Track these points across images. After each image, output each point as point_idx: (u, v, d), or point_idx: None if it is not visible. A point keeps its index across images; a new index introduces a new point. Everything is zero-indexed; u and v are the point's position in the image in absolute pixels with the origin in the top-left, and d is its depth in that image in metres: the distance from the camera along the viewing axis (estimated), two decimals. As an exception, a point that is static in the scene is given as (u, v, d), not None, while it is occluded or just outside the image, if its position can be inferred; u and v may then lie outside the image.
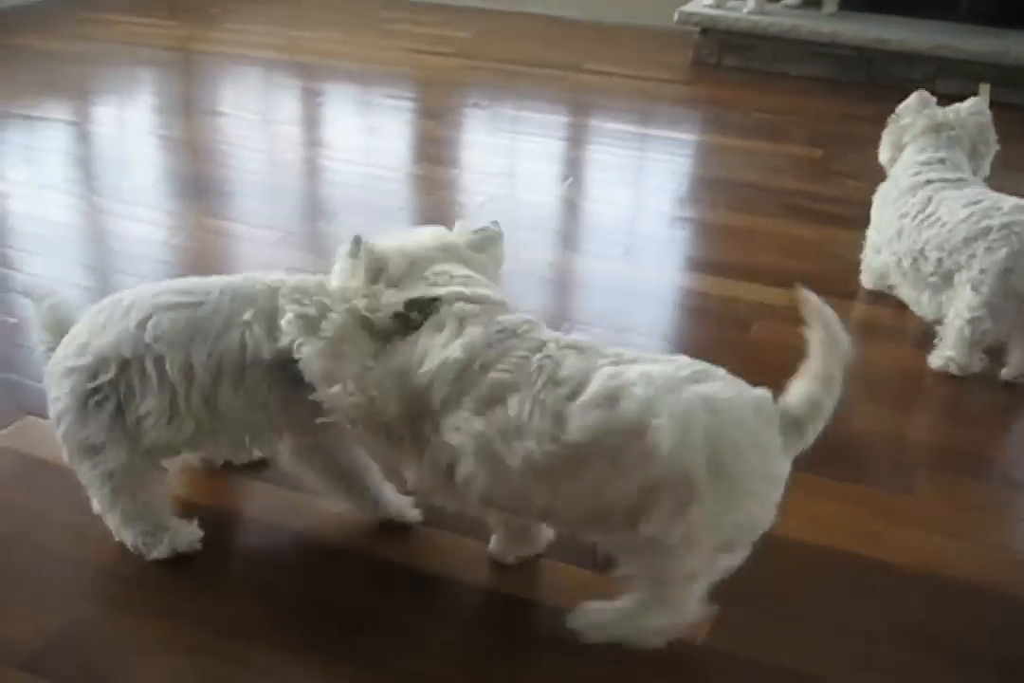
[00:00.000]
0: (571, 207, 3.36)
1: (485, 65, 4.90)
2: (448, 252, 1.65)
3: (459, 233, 1.71)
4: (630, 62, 4.98)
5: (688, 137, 4.07)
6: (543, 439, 1.40)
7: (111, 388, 1.60)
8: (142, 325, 1.60)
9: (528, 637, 1.63)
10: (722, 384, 1.42)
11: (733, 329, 2.56)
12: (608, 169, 3.73)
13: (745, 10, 4.91)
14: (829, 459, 2.03)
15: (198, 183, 3.42)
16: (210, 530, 1.78)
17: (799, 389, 1.43)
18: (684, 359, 1.47)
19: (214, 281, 1.69)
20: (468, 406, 1.44)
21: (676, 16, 4.98)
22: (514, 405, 1.42)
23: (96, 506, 1.73)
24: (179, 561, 1.72)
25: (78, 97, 4.32)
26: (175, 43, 5.13)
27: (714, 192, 3.46)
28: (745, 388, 1.43)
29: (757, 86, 4.71)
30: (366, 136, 4.05)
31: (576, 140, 4.02)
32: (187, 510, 1.80)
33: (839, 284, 2.74)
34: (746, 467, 1.38)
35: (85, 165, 3.66)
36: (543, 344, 1.48)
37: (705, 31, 4.99)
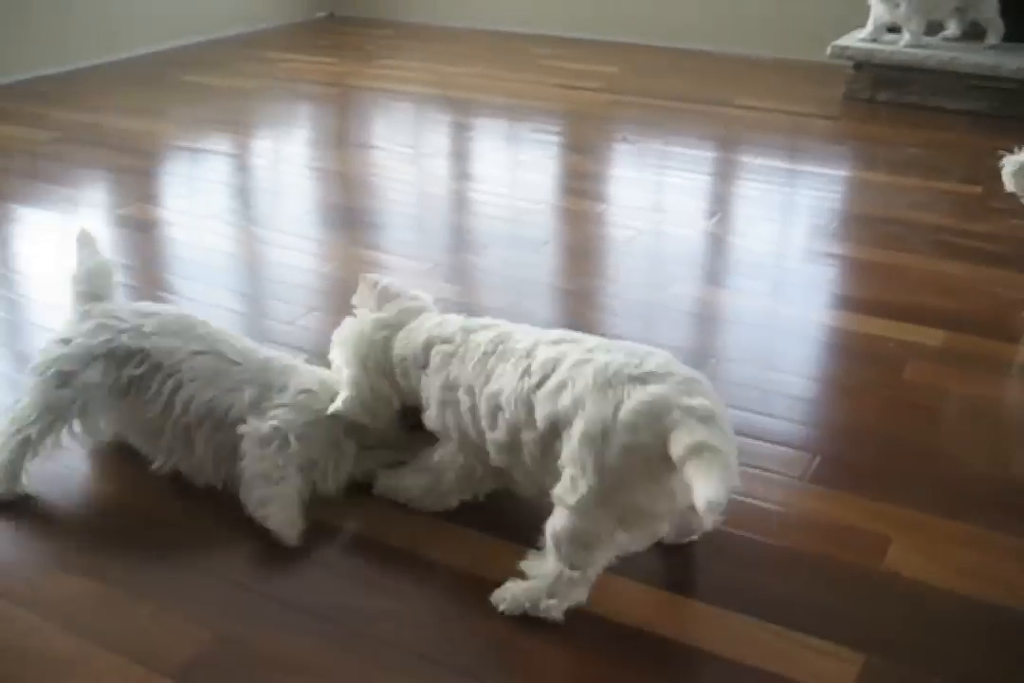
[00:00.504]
0: (718, 242, 3.33)
1: (633, 100, 4.92)
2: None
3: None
4: (780, 97, 4.93)
5: (838, 173, 4.00)
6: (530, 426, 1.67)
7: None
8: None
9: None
10: (653, 389, 1.56)
11: (884, 370, 2.49)
12: (756, 205, 3.69)
13: (901, 43, 4.81)
14: (983, 506, 1.96)
15: (349, 214, 3.52)
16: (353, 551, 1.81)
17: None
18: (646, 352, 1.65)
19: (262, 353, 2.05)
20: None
21: (829, 50, 4.92)
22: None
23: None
24: (323, 582, 1.76)
25: (240, 131, 4.50)
26: (333, 79, 5.31)
27: (863, 228, 3.38)
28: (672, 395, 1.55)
29: (911, 121, 4.61)
30: (514, 170, 4.11)
31: (724, 175, 3.99)
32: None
33: (995, 324, 2.64)
34: (631, 468, 1.55)
35: (243, 196, 3.81)
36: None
37: (859, 65, 4.90)
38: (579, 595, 1.66)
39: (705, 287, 2.98)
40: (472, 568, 1.80)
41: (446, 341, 1.84)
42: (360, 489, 1.99)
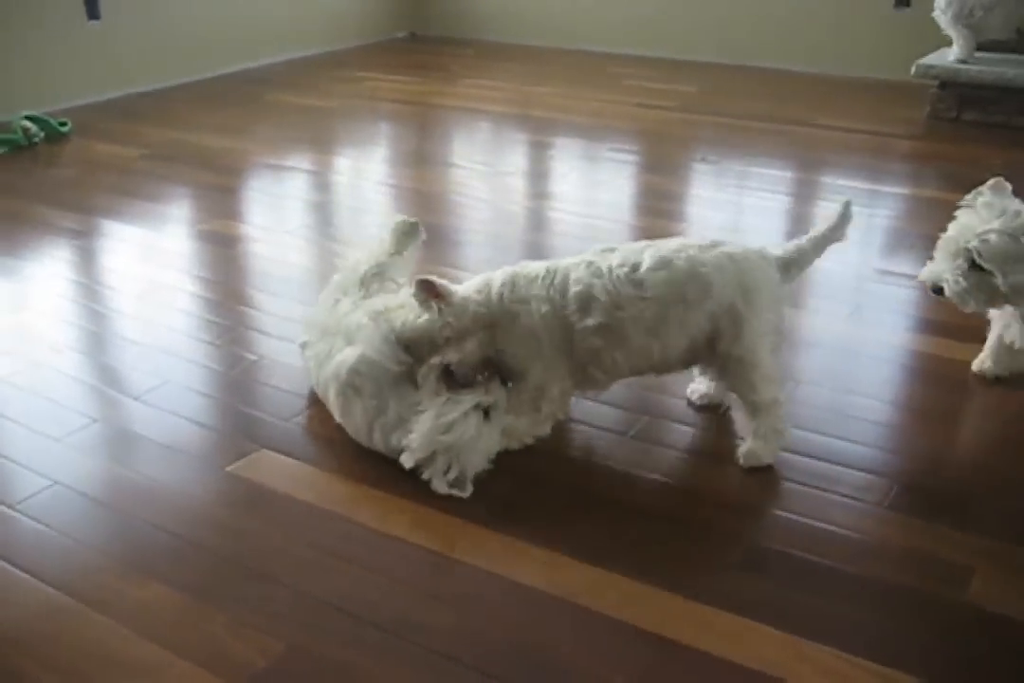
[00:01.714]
0: (796, 263, 3.29)
1: (712, 119, 4.90)
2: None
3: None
4: (862, 117, 4.87)
5: (921, 193, 3.93)
6: (635, 303, 2.02)
7: None
8: None
9: None
10: (732, 245, 2.12)
11: (964, 395, 2.44)
12: (837, 226, 3.64)
13: (951, 57, 4.75)
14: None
15: (428, 231, 3.52)
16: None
17: (789, 244, 2.17)
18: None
19: None
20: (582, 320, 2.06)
21: (913, 69, 4.85)
22: (602, 295, 2.03)
23: None
24: (391, 597, 1.77)
25: (321, 149, 4.57)
26: (414, 98, 5.37)
27: (949, 251, 3.32)
28: (748, 245, 2.13)
29: (998, 141, 4.52)
30: (591, 189, 4.11)
31: (804, 196, 3.95)
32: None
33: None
34: (764, 294, 2.06)
35: (324, 212, 3.87)
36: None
37: (944, 84, 4.83)
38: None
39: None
40: (541, 585, 1.80)
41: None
42: (428, 501, 2.00)
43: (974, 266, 2.14)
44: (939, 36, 4.92)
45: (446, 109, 5.18)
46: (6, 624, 1.72)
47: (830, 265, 3.21)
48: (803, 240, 2.17)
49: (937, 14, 4.80)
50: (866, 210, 3.74)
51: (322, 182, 4.19)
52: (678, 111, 5.04)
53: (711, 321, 2.03)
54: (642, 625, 1.71)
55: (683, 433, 2.29)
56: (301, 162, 4.36)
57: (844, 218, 2.17)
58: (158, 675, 1.61)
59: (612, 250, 2.11)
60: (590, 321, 2.03)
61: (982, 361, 2.44)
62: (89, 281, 3.17)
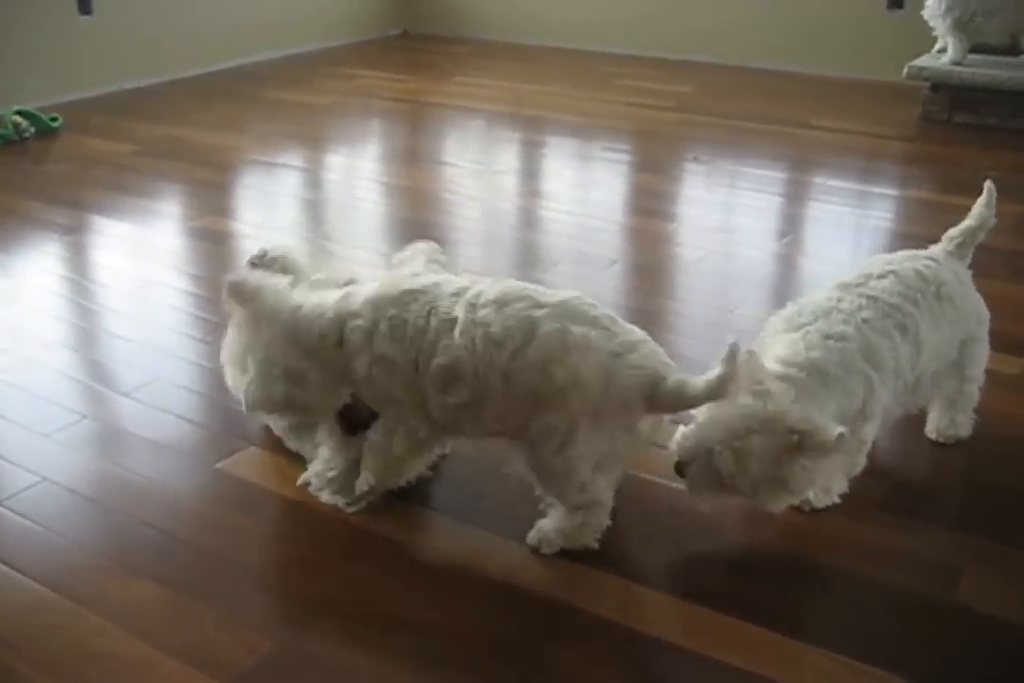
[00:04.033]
0: (789, 264, 3.30)
1: (706, 120, 4.90)
2: None
3: None
4: (855, 118, 4.88)
5: (912, 195, 3.94)
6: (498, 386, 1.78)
7: None
8: None
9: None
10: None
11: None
12: (828, 226, 3.65)
13: (944, 59, 4.77)
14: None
15: (419, 229, 3.55)
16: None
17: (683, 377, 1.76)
18: None
19: None
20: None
21: (905, 71, 4.85)
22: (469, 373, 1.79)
23: None
24: (382, 597, 1.77)
25: (313, 146, 4.57)
26: (407, 96, 5.36)
27: (940, 253, 3.32)
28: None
29: (989, 143, 4.52)
30: (584, 188, 4.11)
31: (796, 197, 3.95)
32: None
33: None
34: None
35: (315, 210, 3.86)
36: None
37: (936, 86, 4.84)
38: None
39: (775, 309, 2.93)
40: (535, 589, 1.80)
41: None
42: (418, 498, 2.00)
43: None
44: (932, 38, 4.93)
45: (439, 107, 5.18)
46: (-7, 621, 1.72)
47: (818, 265, 3.24)
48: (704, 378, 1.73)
49: (933, 18, 4.80)
50: (857, 211, 3.75)
51: (314, 179, 4.19)
52: (671, 111, 5.04)
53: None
54: (635, 626, 1.71)
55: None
56: (293, 159, 4.35)
57: (730, 361, 1.70)
58: (146, 673, 1.61)
59: (482, 307, 1.80)
60: (451, 399, 1.80)
61: None
62: (79, 277, 3.16)
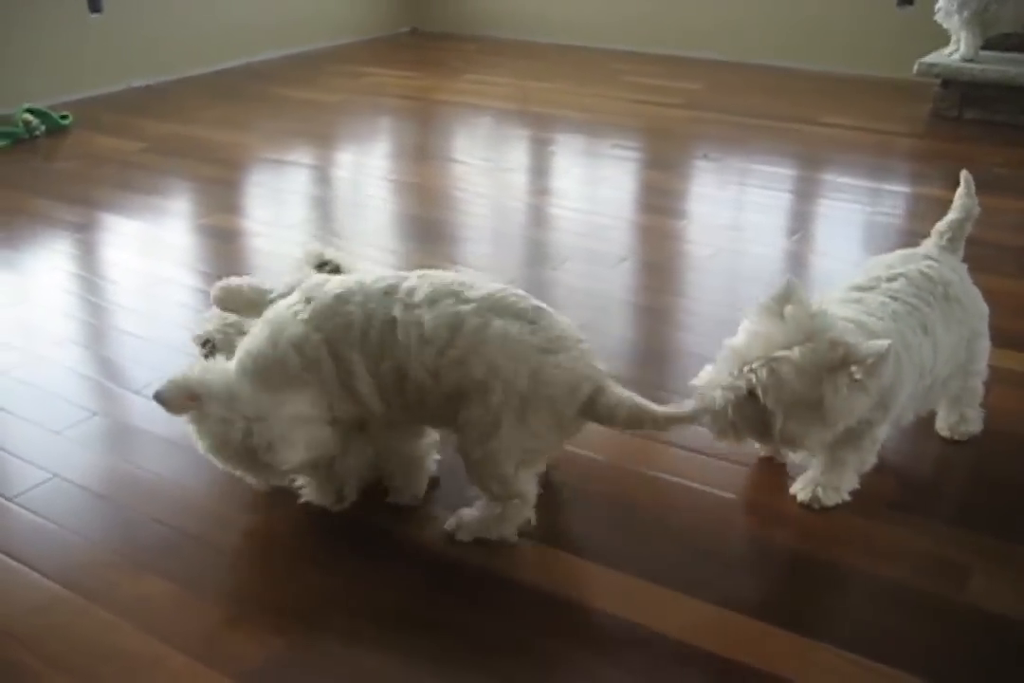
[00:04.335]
0: (799, 261, 3.29)
1: (715, 117, 4.89)
2: None
3: None
4: (864, 115, 4.87)
5: (923, 192, 3.93)
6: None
7: None
8: None
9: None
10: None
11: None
12: (838, 223, 3.65)
13: (956, 56, 4.76)
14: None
15: (428, 226, 3.55)
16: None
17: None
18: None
19: None
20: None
21: (915, 67, 4.84)
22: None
23: None
24: (392, 594, 1.77)
25: (322, 143, 4.57)
26: (416, 93, 5.37)
27: (950, 250, 3.31)
28: None
29: (1000, 140, 4.51)
30: (593, 185, 4.11)
31: (806, 194, 3.94)
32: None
33: (1086, 350, 2.58)
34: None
35: (324, 207, 3.86)
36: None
37: (946, 83, 4.82)
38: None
39: (784, 306, 2.94)
40: (543, 584, 1.80)
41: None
42: (438, 501, 2.00)
43: (752, 395, 1.71)
44: (941, 34, 4.91)
45: (447, 105, 5.18)
46: (5, 617, 1.72)
47: (828, 262, 3.24)
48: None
49: (947, 16, 4.78)
50: (867, 208, 3.74)
51: (323, 177, 4.19)
52: (680, 108, 5.04)
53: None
54: (650, 625, 1.71)
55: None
56: (302, 157, 4.35)
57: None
58: (157, 668, 1.61)
59: (416, 307, 1.79)
60: (403, 399, 1.81)
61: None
62: (90, 274, 3.17)
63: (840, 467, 1.95)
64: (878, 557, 1.87)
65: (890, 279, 2.01)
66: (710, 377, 1.79)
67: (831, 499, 1.96)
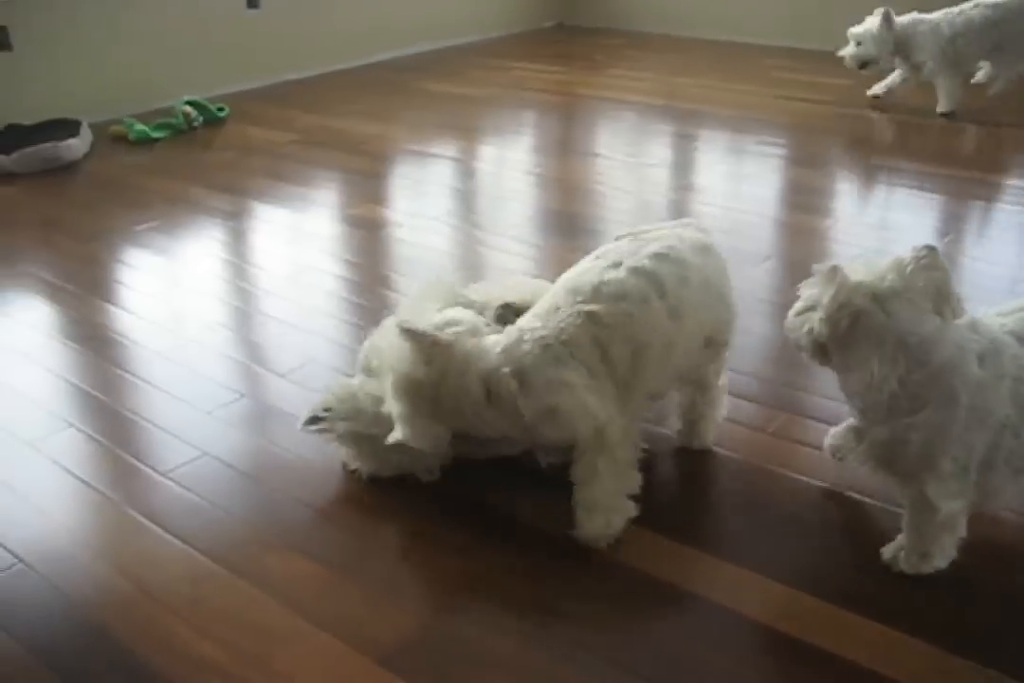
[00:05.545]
0: (950, 264, 3.16)
1: (863, 113, 4.77)
2: None
3: None
4: (1015, 113, 4.67)
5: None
6: None
7: None
8: None
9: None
10: None
11: None
12: (993, 225, 3.52)
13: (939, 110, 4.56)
14: None
15: (569, 220, 3.56)
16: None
17: None
18: None
19: None
20: None
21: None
22: None
23: None
24: (524, 582, 1.79)
25: (467, 136, 4.62)
26: (560, 88, 5.38)
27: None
28: None
29: None
30: (737, 182, 4.05)
31: (959, 194, 3.80)
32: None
33: None
34: None
35: (467, 199, 3.90)
36: None
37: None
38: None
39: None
40: (663, 575, 1.79)
41: None
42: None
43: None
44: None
45: (592, 99, 5.17)
46: (158, 586, 1.80)
47: (981, 265, 3.12)
48: None
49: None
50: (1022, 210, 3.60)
51: (467, 169, 4.23)
52: (829, 105, 4.92)
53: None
54: (787, 630, 1.68)
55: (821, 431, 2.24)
56: (447, 149, 4.41)
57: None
58: (298, 644, 1.66)
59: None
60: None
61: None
62: (240, 261, 3.27)
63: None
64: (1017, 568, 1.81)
65: None
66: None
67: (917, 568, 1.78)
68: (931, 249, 1.62)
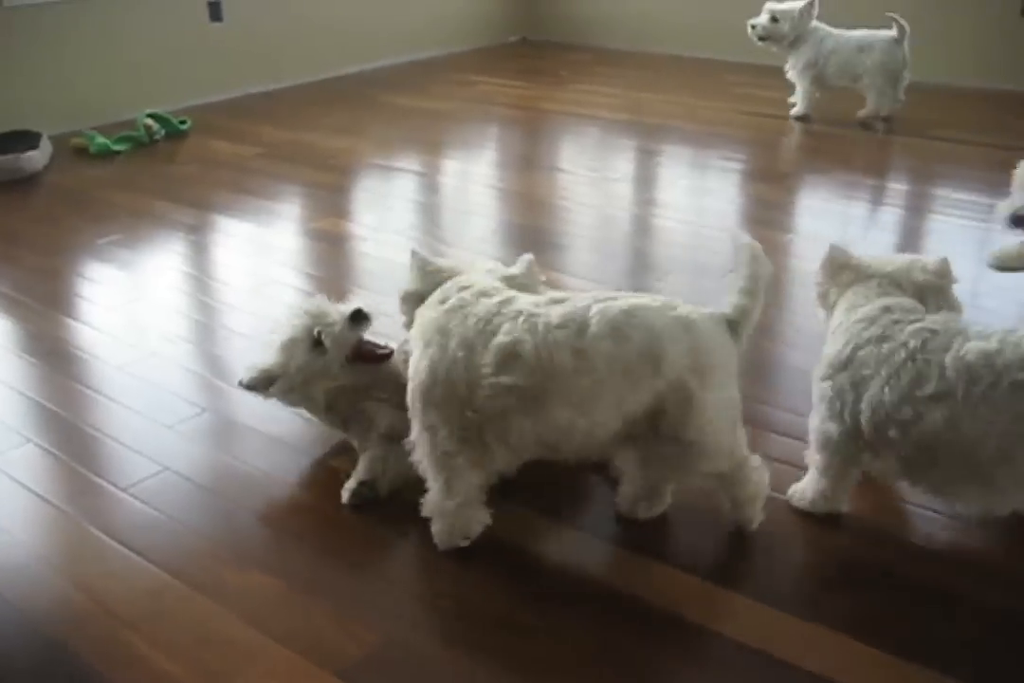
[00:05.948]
0: (907, 277, 3.22)
1: (824, 129, 4.82)
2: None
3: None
4: (983, 128, 4.74)
5: (1043, 210, 3.81)
6: (567, 374, 1.72)
7: None
8: None
9: None
10: (688, 309, 1.83)
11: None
12: (951, 240, 3.56)
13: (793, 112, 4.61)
14: None
15: (533, 234, 3.57)
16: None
17: (733, 302, 1.86)
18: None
19: None
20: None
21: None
22: (530, 356, 1.72)
23: None
24: (489, 597, 1.79)
25: (431, 150, 4.63)
26: (525, 102, 5.40)
27: (1069, 269, 3.22)
28: (701, 309, 1.84)
29: None
30: (699, 197, 4.08)
31: (917, 209, 3.86)
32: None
33: None
34: (720, 368, 1.80)
35: (431, 213, 3.91)
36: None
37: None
38: None
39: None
40: (630, 589, 1.80)
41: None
42: (535, 505, 2.01)
43: None
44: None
45: (555, 114, 5.20)
46: (116, 600, 1.78)
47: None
48: (738, 296, 1.87)
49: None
50: (982, 225, 3.65)
51: (431, 183, 4.24)
52: (789, 120, 4.97)
53: (656, 400, 1.74)
54: (768, 650, 1.70)
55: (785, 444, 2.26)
56: (411, 163, 4.41)
57: (743, 255, 1.87)
58: (257, 658, 1.65)
59: (560, 302, 1.82)
60: (505, 379, 1.74)
61: None
62: (202, 275, 3.26)
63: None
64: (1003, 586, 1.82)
65: None
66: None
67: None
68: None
